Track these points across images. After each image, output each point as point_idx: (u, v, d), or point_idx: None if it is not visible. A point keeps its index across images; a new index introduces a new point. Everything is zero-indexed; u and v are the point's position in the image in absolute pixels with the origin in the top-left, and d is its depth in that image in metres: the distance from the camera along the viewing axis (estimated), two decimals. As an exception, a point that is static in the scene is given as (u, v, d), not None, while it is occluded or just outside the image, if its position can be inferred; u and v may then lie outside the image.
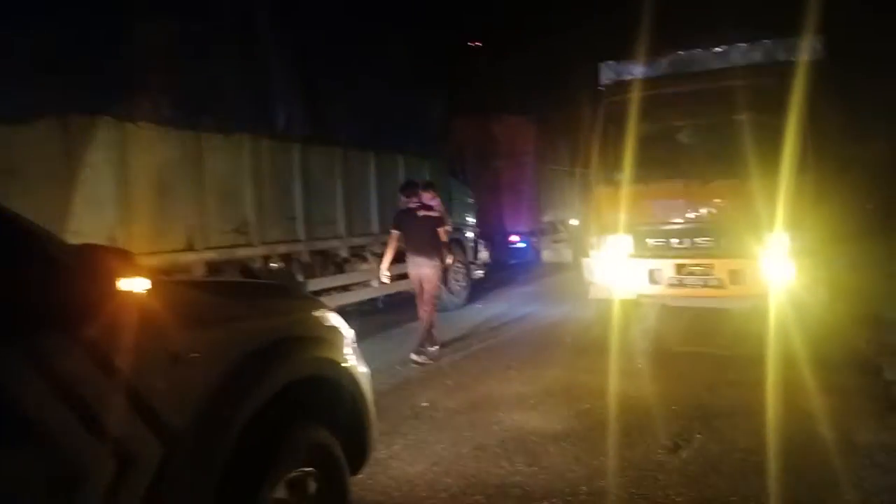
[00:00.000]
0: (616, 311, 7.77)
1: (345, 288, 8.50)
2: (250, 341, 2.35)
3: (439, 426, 5.27)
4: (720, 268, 6.85)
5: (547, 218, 15.21)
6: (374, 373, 3.46)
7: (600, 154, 7.60)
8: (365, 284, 8.77)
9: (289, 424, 2.48)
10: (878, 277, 7.77)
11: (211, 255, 6.54)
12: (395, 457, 4.63)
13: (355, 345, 3.19)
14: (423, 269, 7.20)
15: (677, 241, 7.10)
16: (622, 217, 7.32)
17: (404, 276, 7.85)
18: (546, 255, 15.70)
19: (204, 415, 2.04)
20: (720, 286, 6.86)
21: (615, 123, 7.56)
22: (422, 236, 7.18)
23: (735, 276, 6.81)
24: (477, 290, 11.47)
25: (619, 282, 7.36)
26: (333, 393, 2.82)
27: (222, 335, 2.28)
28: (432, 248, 7.21)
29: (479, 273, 11.63)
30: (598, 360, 6.77)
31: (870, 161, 7.52)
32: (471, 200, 11.70)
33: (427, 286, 7.22)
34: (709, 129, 7.35)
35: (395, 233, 7.34)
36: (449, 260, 7.62)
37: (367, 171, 8.69)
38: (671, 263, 7.08)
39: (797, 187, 6.57)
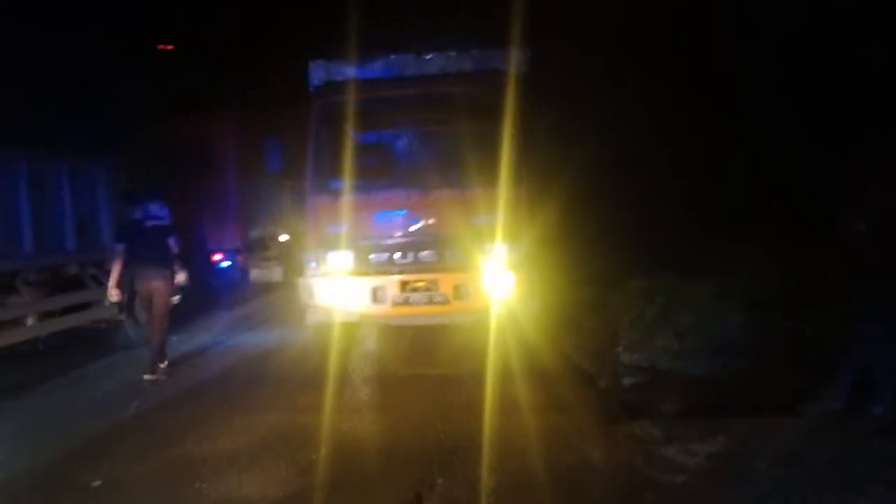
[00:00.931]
0: (336, 334, 7.05)
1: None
2: None
3: (117, 514, 3.94)
4: (444, 283, 6.47)
5: (254, 233, 13.91)
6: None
7: (314, 161, 6.77)
8: (18, 323, 6.78)
9: None
10: (573, 285, 8.18)
11: None
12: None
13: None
14: (153, 283, 6.95)
15: (400, 256, 6.57)
16: (341, 231, 6.58)
17: (68, 311, 6.87)
18: (254, 274, 14.35)
19: None
20: (445, 302, 6.47)
21: (329, 128, 6.82)
22: (151, 248, 6.90)
23: (459, 290, 6.48)
24: (172, 320, 9.81)
25: (339, 303, 6.59)
26: None
27: None
28: (163, 259, 6.98)
29: (175, 299, 9.98)
30: (320, 394, 5.94)
31: (572, 172, 7.82)
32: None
33: (158, 300, 6.99)
34: (428, 137, 6.99)
35: (120, 247, 6.92)
36: (180, 276, 7.17)
37: (14, 175, 6.70)
38: (395, 280, 6.52)
39: (513, 198, 6.47)
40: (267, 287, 14.67)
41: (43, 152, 7.02)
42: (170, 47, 17.16)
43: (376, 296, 6.55)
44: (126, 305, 8.57)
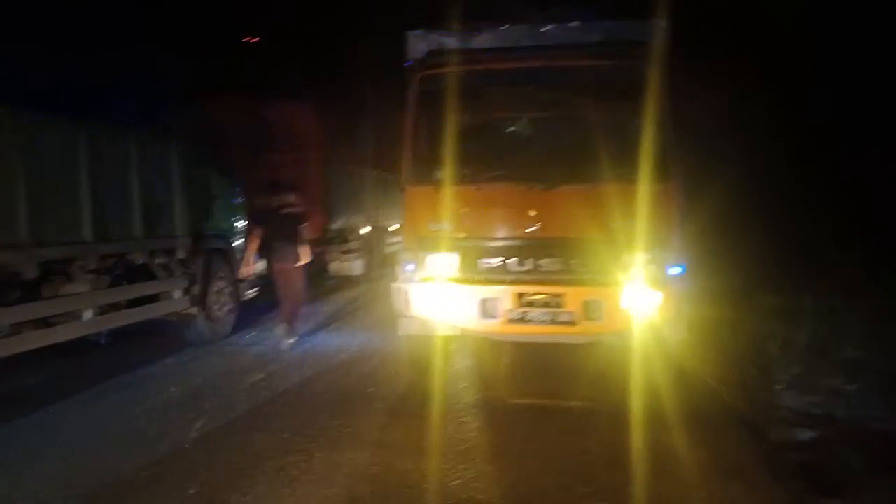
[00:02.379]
0: (430, 346, 5.97)
1: (43, 323, 5.66)
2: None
3: None
4: (572, 298, 5.26)
5: (336, 224, 13.02)
6: None
7: (414, 146, 5.66)
8: (74, 316, 5.96)
9: None
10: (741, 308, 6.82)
11: None
12: None
13: None
14: (287, 263, 7.78)
15: (517, 262, 5.39)
16: (445, 229, 5.46)
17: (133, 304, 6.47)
18: (334, 267, 13.50)
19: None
20: (572, 322, 5.26)
21: (432, 106, 5.69)
22: (286, 232, 7.73)
23: (590, 308, 5.26)
24: (246, 314, 8.98)
25: (440, 314, 5.49)
26: None
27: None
28: (296, 242, 7.76)
29: (251, 292, 9.15)
30: (418, 427, 4.89)
31: (727, 174, 6.48)
32: (239, 200, 9.15)
33: (295, 278, 7.85)
34: (554, 118, 5.79)
35: (256, 229, 7.91)
36: (306, 257, 7.94)
37: (72, 151, 5.81)
38: (510, 291, 5.35)
39: (660, 196, 5.21)
40: (347, 281, 13.81)
41: (106, 127, 6.13)
42: (255, 39, 16.68)
43: (486, 309, 5.40)
44: (200, 298, 7.76)
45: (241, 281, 8.85)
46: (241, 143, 9.35)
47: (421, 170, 5.64)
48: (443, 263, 5.49)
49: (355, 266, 13.92)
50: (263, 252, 9.80)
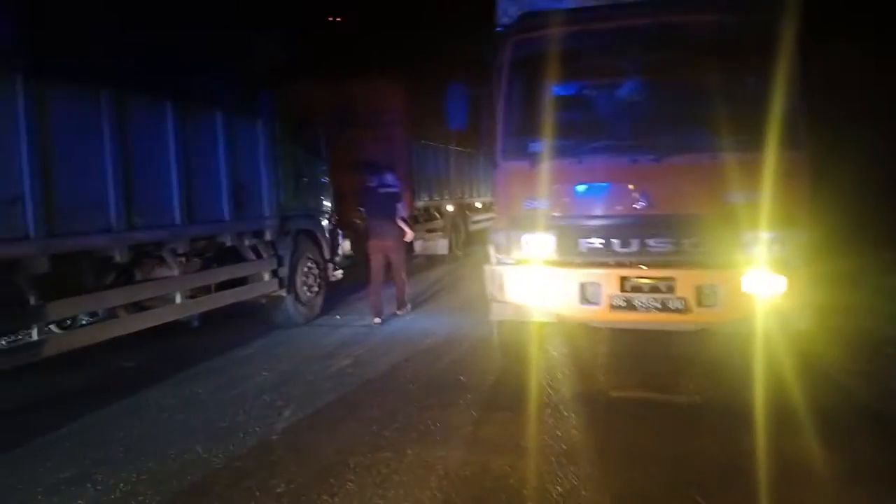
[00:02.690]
0: (523, 332, 5.60)
1: (136, 307, 5.67)
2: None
3: None
4: (684, 282, 4.74)
5: (420, 203, 12.79)
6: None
7: (507, 116, 5.24)
8: (166, 300, 5.94)
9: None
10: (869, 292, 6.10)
11: None
12: None
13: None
14: (387, 241, 8.05)
15: (622, 243, 4.91)
16: (542, 207, 5.04)
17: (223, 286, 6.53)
18: (418, 246, 13.26)
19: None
20: (684, 309, 4.74)
21: (527, 72, 5.27)
22: (384, 211, 7.98)
23: (704, 294, 4.73)
24: (332, 295, 8.86)
25: (536, 299, 5.09)
26: None
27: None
28: (394, 221, 8.03)
29: (339, 274, 9.03)
30: (514, 422, 4.56)
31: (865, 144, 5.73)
32: (325, 180, 9.01)
33: (393, 256, 8.14)
34: (666, 83, 5.21)
35: (360, 210, 8.40)
36: (409, 234, 8.34)
37: (161, 130, 5.72)
38: (614, 275, 4.89)
39: (787, 168, 4.58)
40: (431, 260, 13.59)
41: (193, 103, 6.02)
42: (339, 19, 16.54)
43: (586, 294, 4.96)
44: (289, 280, 7.68)
45: (329, 261, 8.75)
46: (328, 121, 9.18)
47: (515, 143, 5.23)
48: (539, 244, 5.07)
49: (440, 245, 13.69)
50: (349, 233, 9.74)
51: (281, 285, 7.52)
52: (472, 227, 15.50)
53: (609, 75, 5.19)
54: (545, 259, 5.07)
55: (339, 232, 9.22)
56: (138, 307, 5.66)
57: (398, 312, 8.29)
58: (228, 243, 6.60)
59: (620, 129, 5.13)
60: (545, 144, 5.07)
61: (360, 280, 9.03)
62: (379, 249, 8.06)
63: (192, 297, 6.14)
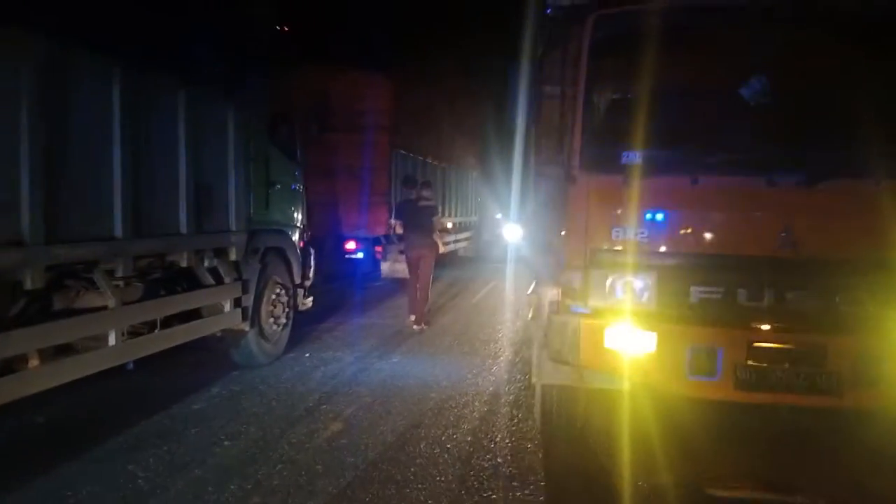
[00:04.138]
0: (584, 405, 4.26)
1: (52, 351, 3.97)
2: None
3: None
4: (839, 352, 3.46)
5: (395, 220, 11.31)
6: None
7: (586, 119, 3.84)
8: (96, 340, 4.26)
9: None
10: None
11: None
12: None
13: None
14: (422, 251, 8.36)
15: (749, 293, 3.59)
16: (638, 239, 3.69)
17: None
18: (386, 268, 11.72)
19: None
20: (837, 389, 3.45)
21: (613, 62, 3.94)
22: (421, 223, 8.32)
23: (867, 368, 3.45)
24: (295, 324, 7.23)
25: (621, 364, 3.71)
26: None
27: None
28: (430, 232, 8.39)
29: (309, 302, 7.46)
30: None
31: None
32: (298, 188, 7.44)
33: (424, 264, 8.37)
34: (817, 78, 3.88)
35: (397, 221, 8.78)
36: (442, 247, 8.95)
37: (102, 104, 4.08)
38: (739, 339, 3.56)
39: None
40: (404, 284, 12.05)
41: (151, 75, 4.42)
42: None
43: (699, 362, 3.61)
44: (253, 310, 6.09)
45: (299, 286, 7.18)
46: (304, 119, 7.64)
47: (601, 152, 3.86)
48: (633, 290, 3.71)
49: (410, 267, 12.20)
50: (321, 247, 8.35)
51: (244, 317, 5.91)
52: (443, 249, 14.08)
53: (733, 66, 3.87)
54: (641, 310, 3.71)
55: (311, 251, 7.65)
56: (56, 352, 3.98)
57: (415, 327, 8.23)
58: (184, 264, 4.97)
59: (751, 139, 3.82)
60: (644, 155, 3.73)
61: (324, 306, 7.51)
62: (415, 260, 8.42)
63: (132, 336, 4.49)
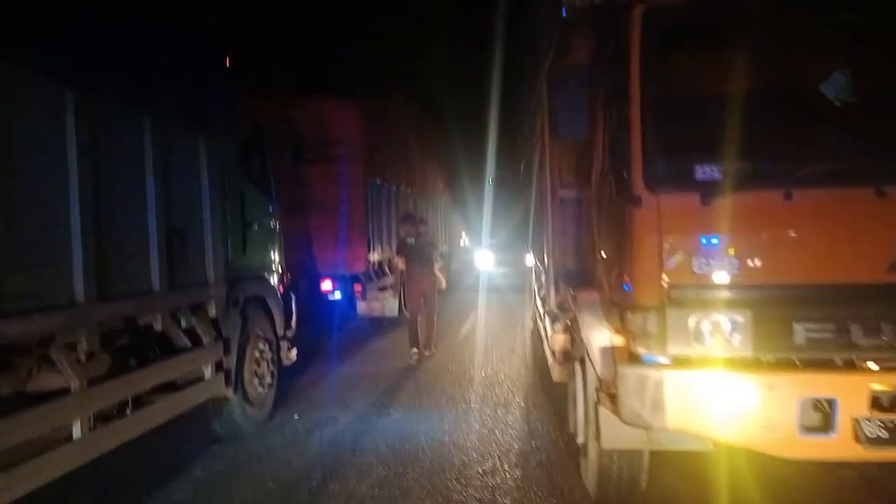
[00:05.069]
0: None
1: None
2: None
3: None
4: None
5: (375, 256, 10.55)
6: None
7: (650, 125, 3.23)
8: (60, 432, 3.39)
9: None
10: None
11: None
12: None
13: None
14: (424, 285, 8.59)
15: (865, 329, 2.98)
16: (727, 270, 3.06)
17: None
18: (363, 307, 10.90)
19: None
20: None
21: (670, 61, 3.35)
22: (422, 258, 8.57)
23: None
24: (280, 379, 6.37)
25: (713, 423, 3.05)
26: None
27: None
28: (431, 266, 8.64)
29: (293, 355, 6.63)
30: None
31: None
32: (275, 226, 6.64)
33: (428, 296, 8.60)
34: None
35: (399, 259, 8.79)
36: (442, 281, 9.04)
37: (56, 138, 3.28)
38: (859, 385, 2.95)
39: None
40: (379, 324, 11.26)
41: (111, 100, 3.65)
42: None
43: (811, 416, 2.98)
44: (236, 373, 5.26)
45: (283, 338, 6.36)
46: (278, 150, 6.88)
47: (668, 165, 3.25)
48: (724, 333, 3.06)
49: (388, 306, 11.37)
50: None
51: (227, 382, 5.08)
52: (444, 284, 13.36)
53: (822, 57, 3.29)
54: (736, 357, 3.06)
55: (292, 296, 6.85)
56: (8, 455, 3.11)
57: (426, 353, 8.49)
58: (158, 327, 4.14)
59: (851, 142, 3.24)
60: (723, 168, 3.12)
61: (301, 353, 6.70)
62: (418, 295, 8.57)
63: (100, 419, 3.64)
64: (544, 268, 5.96)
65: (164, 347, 4.47)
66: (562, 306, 5.21)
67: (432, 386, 7.18)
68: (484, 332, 10.72)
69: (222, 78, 5.17)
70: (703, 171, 3.16)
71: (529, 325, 10.45)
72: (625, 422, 3.24)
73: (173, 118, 4.30)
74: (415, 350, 8.40)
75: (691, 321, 3.09)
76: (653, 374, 3.11)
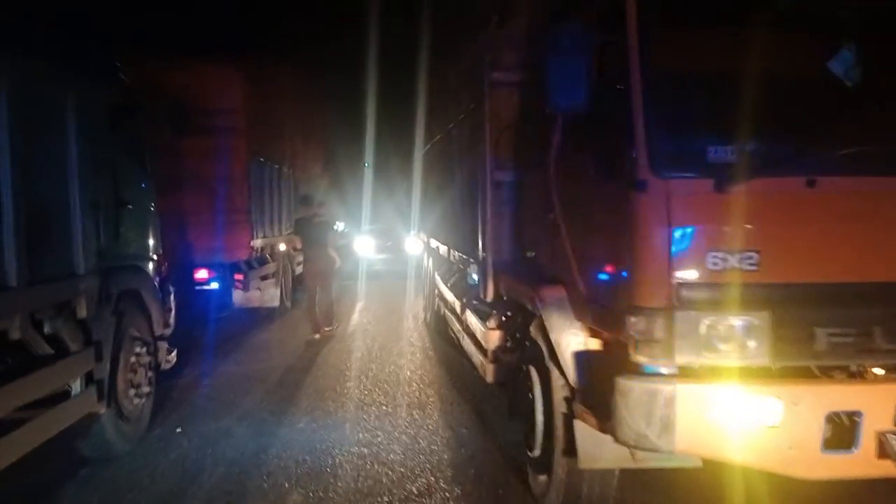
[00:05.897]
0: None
1: None
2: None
3: None
4: None
5: (258, 241, 9.53)
6: None
7: (654, 102, 2.74)
8: None
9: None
10: None
11: None
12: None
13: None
14: (319, 265, 8.56)
15: (889, 334, 2.68)
16: (738, 268, 2.66)
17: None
18: (239, 297, 9.82)
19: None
20: None
21: (675, 29, 2.89)
22: (318, 239, 8.45)
23: None
24: (158, 382, 5.41)
25: (725, 442, 2.65)
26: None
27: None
28: (326, 247, 8.52)
29: (173, 358, 5.68)
30: None
31: None
32: (151, 207, 5.60)
33: (322, 279, 8.55)
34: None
35: (296, 237, 9.05)
36: (337, 260, 8.82)
37: None
38: (885, 396, 2.65)
39: None
40: (257, 315, 10.24)
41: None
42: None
43: (835, 431, 2.65)
44: (109, 383, 4.29)
45: (161, 338, 5.40)
46: (156, 120, 5.83)
47: (677, 146, 2.79)
48: (740, 339, 2.65)
49: (269, 295, 10.40)
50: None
51: (100, 396, 4.12)
52: (298, 270, 12.41)
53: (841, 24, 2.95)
54: (754, 367, 2.67)
55: (171, 289, 5.86)
56: None
57: (326, 329, 8.54)
58: (15, 335, 3.16)
59: (879, 125, 2.91)
60: (737, 149, 2.71)
61: (178, 353, 5.76)
62: (315, 275, 8.57)
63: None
64: (472, 257, 5.42)
65: (19, 358, 3.46)
66: (499, 301, 4.71)
67: (333, 386, 6.45)
68: (376, 323, 10.06)
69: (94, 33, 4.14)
70: (715, 154, 2.74)
71: (422, 315, 9.93)
72: (623, 443, 2.77)
73: (36, 72, 3.29)
74: (316, 336, 8.41)
75: (703, 325, 2.66)
76: (664, 388, 2.65)
